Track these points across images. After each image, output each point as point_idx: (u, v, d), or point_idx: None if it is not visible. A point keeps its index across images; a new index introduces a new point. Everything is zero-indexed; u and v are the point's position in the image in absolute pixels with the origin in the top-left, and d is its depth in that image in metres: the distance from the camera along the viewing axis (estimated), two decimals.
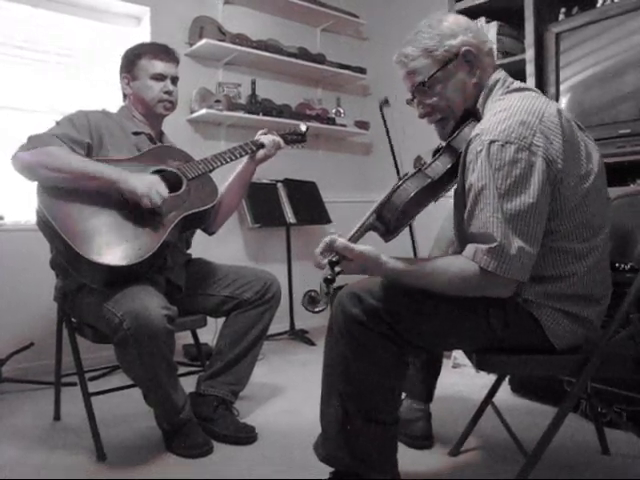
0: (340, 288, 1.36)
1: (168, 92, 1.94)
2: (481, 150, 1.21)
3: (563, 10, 2.41)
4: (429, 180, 1.35)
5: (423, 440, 1.79)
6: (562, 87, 2.30)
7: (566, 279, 1.27)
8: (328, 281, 1.19)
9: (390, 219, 1.33)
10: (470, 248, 1.22)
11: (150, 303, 1.58)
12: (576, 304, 1.29)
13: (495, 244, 1.17)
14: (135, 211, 1.70)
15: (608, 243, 1.35)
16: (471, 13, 2.72)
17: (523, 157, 1.18)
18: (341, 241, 1.20)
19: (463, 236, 1.30)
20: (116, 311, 1.58)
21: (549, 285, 1.27)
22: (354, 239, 1.29)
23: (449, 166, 1.36)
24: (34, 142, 1.69)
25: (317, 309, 1.20)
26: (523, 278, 1.20)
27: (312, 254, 1.28)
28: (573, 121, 1.32)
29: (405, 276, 1.25)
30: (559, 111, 1.26)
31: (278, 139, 2.07)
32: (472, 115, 1.38)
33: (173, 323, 1.63)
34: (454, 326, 1.30)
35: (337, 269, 1.20)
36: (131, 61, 1.95)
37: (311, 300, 1.21)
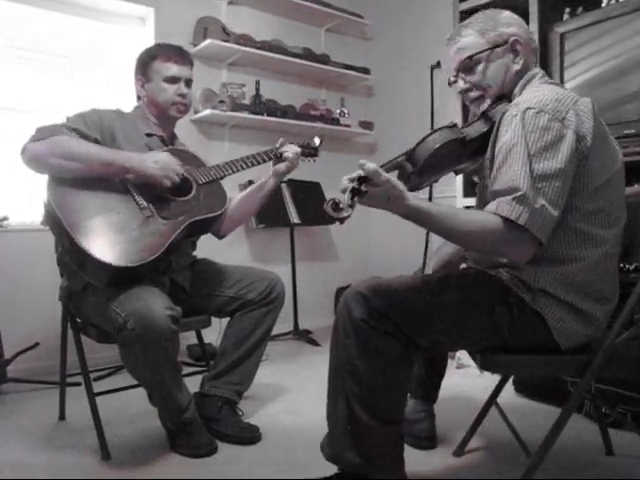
0: (344, 288, 1.37)
1: (182, 95, 1.93)
2: (516, 115, 1.27)
3: (567, 10, 2.41)
4: (462, 135, 1.41)
5: (427, 441, 1.79)
6: (567, 87, 2.29)
7: (577, 262, 1.29)
8: (354, 191, 1.17)
9: (418, 162, 1.37)
10: (492, 203, 1.24)
11: (154, 303, 1.59)
12: (585, 298, 1.29)
13: (520, 193, 1.20)
14: (143, 211, 1.71)
15: (620, 242, 1.36)
16: (475, 13, 2.72)
17: (555, 127, 1.23)
18: (371, 164, 1.18)
19: (485, 203, 1.31)
20: (120, 311, 1.58)
21: (560, 268, 1.29)
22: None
23: (483, 131, 1.42)
24: (43, 132, 1.69)
25: (338, 215, 1.17)
26: (542, 237, 1.21)
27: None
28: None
29: (427, 216, 1.23)
30: (593, 102, 1.33)
31: (299, 149, 2.02)
32: (506, 98, 1.45)
33: (177, 323, 1.64)
34: (460, 325, 1.30)
35: (363, 187, 1.18)
36: (145, 63, 1.94)
37: (335, 206, 1.17)
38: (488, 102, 1.46)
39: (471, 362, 2.51)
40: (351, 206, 1.17)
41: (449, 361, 1.86)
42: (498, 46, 1.43)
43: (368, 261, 4.10)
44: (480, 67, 1.44)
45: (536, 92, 1.32)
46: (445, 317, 1.29)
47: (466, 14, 2.76)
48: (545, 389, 2.15)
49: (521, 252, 1.24)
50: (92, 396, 1.80)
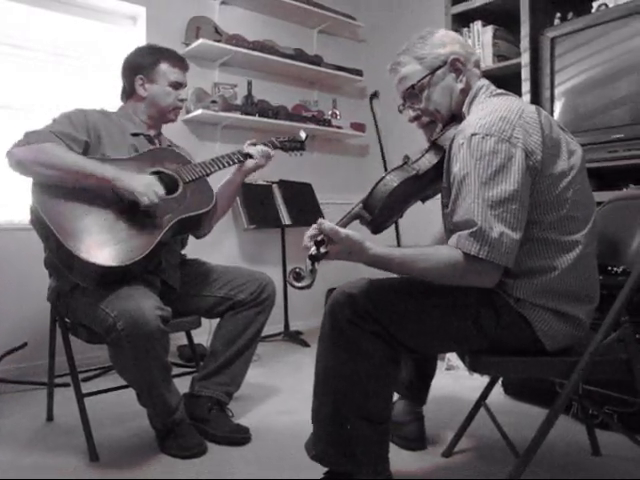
0: (333, 289, 1.38)
1: (182, 100, 2.00)
2: (463, 143, 1.26)
3: (558, 15, 2.43)
4: (414, 172, 1.42)
5: (416, 442, 1.80)
6: (557, 91, 2.31)
7: (552, 271, 1.28)
8: (313, 258, 1.22)
9: (375, 208, 1.39)
10: (454, 237, 1.24)
11: (144, 304, 1.58)
12: (566, 302, 1.30)
13: (476, 227, 1.20)
14: (130, 211, 1.70)
15: (594, 242, 1.36)
16: (467, 17, 2.75)
17: (503, 148, 1.22)
18: (328, 223, 1.23)
19: (449, 230, 1.32)
20: (110, 311, 1.58)
21: (536, 279, 1.29)
22: (341, 225, 1.31)
23: (435, 162, 1.43)
24: (30, 138, 1.68)
25: (300, 284, 1.22)
26: (507, 263, 1.22)
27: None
28: (554, 121, 1.37)
29: (389, 263, 1.26)
30: (538, 109, 1.32)
31: (266, 149, 2.06)
32: (457, 118, 1.45)
33: (167, 324, 1.63)
34: (445, 327, 1.31)
35: (322, 249, 1.22)
36: (150, 64, 1.95)
37: (296, 276, 1.24)
38: (440, 126, 1.47)
39: (460, 364, 2.52)
40: (312, 271, 1.23)
41: (439, 362, 1.87)
42: (438, 68, 1.43)
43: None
44: (425, 94, 1.45)
45: (481, 111, 1.31)
46: (431, 320, 1.30)
47: (458, 17, 2.78)
48: (533, 391, 2.17)
49: (487, 280, 1.25)
50: (80, 397, 1.79)
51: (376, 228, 1.44)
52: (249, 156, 2.03)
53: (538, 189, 1.26)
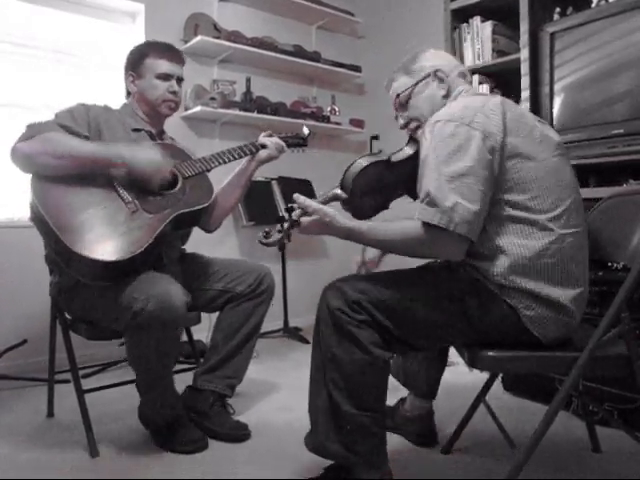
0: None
1: (173, 92, 1.93)
2: (428, 130, 1.36)
3: (558, 10, 2.42)
4: (385, 157, 1.52)
5: (426, 437, 1.80)
6: (556, 87, 2.31)
7: (521, 248, 1.31)
8: (279, 219, 1.36)
9: (346, 187, 1.47)
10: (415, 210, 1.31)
11: (171, 288, 1.62)
12: (539, 281, 1.30)
13: (430, 197, 1.27)
14: (128, 205, 1.70)
15: (577, 226, 1.36)
16: (466, 12, 2.74)
17: (462, 131, 1.30)
18: (303, 197, 1.36)
19: None
20: (138, 295, 1.58)
21: (507, 257, 1.31)
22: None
23: (410, 153, 1.54)
24: (33, 130, 1.67)
25: (266, 240, 1.36)
26: (468, 234, 1.26)
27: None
28: (528, 112, 1.45)
29: (359, 233, 1.35)
30: (504, 101, 1.39)
31: (282, 143, 2.07)
32: None
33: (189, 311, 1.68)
34: (432, 316, 1.33)
35: (293, 216, 1.36)
36: (137, 59, 1.93)
37: (265, 234, 1.38)
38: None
39: (460, 360, 2.52)
40: (279, 232, 1.36)
41: None
42: (422, 79, 1.52)
43: None
44: (411, 102, 1.55)
45: (450, 105, 1.41)
46: (417, 309, 1.33)
47: (457, 13, 2.77)
48: (533, 387, 2.17)
49: (450, 250, 1.31)
50: (81, 393, 1.80)
51: (355, 211, 1.50)
52: (262, 146, 2.03)
53: (503, 169, 1.31)
